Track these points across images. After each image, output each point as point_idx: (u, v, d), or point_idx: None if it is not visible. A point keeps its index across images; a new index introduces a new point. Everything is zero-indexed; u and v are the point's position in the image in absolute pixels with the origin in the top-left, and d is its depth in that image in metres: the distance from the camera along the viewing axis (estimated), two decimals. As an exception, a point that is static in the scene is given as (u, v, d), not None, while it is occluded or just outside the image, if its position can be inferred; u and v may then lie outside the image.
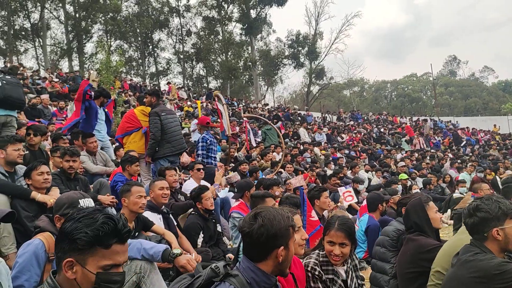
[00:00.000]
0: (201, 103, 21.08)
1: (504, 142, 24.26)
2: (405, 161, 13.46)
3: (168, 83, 28.37)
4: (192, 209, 4.70)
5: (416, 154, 16.10)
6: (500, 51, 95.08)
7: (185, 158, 7.47)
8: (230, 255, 4.15)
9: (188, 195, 5.03)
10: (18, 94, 5.59)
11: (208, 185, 5.51)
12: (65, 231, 1.48)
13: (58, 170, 4.59)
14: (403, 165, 12.27)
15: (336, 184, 9.41)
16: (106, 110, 7.10)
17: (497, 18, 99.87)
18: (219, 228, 4.72)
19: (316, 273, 2.52)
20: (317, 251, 2.68)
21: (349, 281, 2.62)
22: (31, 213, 3.57)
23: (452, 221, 7.28)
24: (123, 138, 6.42)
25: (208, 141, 7.14)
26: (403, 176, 9.71)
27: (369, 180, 10.55)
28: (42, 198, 3.62)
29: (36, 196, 3.61)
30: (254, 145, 12.02)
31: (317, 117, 26.65)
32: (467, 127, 26.88)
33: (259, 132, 14.80)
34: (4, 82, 5.36)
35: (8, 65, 21.12)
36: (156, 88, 22.53)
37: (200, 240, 4.20)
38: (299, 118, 23.25)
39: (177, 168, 5.98)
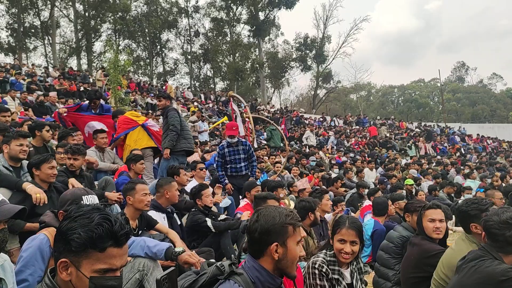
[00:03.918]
0: (206, 104, 21.14)
1: (511, 149, 24.09)
2: (414, 167, 13.35)
3: (165, 81, 28.42)
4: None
5: (423, 160, 16.00)
6: (511, 58, 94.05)
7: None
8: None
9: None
10: None
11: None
12: (61, 230, 1.41)
13: (64, 167, 4.62)
14: (415, 175, 12.11)
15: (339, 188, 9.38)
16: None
17: (509, 25, 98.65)
18: None
19: (324, 270, 2.54)
20: (324, 251, 2.70)
21: (354, 281, 2.62)
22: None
23: (457, 228, 7.23)
24: (122, 139, 6.45)
25: None
26: (409, 181, 9.62)
27: (374, 185, 10.48)
28: (30, 190, 3.47)
29: (26, 186, 3.48)
30: (256, 146, 12.01)
31: (316, 119, 26.44)
32: (478, 134, 26.75)
33: (265, 134, 14.80)
34: None
35: (17, 62, 21.29)
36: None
37: (209, 222, 4.25)
38: (306, 122, 23.22)
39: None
